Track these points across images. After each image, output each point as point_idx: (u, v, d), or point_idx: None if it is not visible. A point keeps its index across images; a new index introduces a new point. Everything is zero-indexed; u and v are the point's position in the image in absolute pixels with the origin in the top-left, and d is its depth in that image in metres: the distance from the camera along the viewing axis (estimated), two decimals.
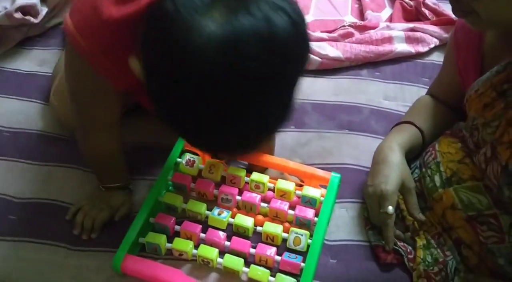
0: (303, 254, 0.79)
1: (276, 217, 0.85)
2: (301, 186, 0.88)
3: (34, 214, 0.89)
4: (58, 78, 0.99)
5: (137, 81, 0.64)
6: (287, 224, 0.84)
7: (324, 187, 0.87)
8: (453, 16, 1.22)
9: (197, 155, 0.91)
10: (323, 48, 1.16)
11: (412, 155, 0.91)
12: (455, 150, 0.84)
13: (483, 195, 0.78)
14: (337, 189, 0.87)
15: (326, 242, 0.85)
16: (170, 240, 0.81)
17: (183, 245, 0.79)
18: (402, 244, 0.83)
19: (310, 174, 0.89)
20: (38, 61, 1.20)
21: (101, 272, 0.81)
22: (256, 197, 0.85)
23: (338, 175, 0.88)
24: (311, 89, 1.07)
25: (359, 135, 1.02)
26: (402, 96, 1.11)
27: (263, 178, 0.86)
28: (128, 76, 0.65)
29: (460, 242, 0.81)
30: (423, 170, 0.87)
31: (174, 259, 0.82)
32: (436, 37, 1.21)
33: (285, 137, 1.04)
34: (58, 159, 0.98)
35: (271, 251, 0.79)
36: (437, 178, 0.84)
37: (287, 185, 0.85)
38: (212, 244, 0.80)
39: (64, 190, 0.93)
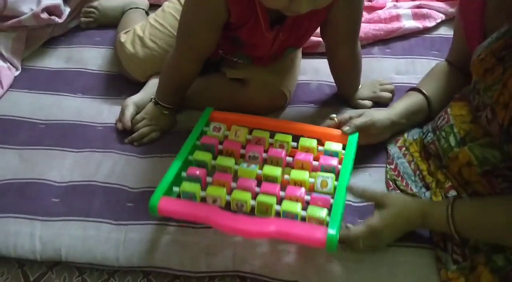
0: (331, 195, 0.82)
1: (301, 168, 0.88)
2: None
3: (75, 195, 0.95)
4: (133, 30, 1.16)
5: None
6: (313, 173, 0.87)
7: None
8: None
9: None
10: None
11: (418, 117, 0.99)
12: (466, 111, 0.88)
13: (496, 149, 0.81)
14: (356, 144, 0.91)
15: (352, 203, 0.90)
16: (203, 188, 0.84)
17: (217, 191, 0.82)
18: None
19: (329, 134, 0.93)
20: (64, 58, 1.27)
21: (144, 243, 0.86)
22: (281, 152, 0.89)
23: (356, 133, 0.92)
24: (325, 71, 1.12)
25: (375, 111, 1.06)
26: (413, 69, 1.16)
27: (287, 138, 0.90)
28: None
29: (476, 195, 0.85)
30: (437, 132, 0.92)
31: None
32: (442, 13, 1.26)
33: (304, 113, 1.10)
34: (92, 145, 1.04)
35: (301, 191, 0.82)
36: (451, 139, 0.88)
37: (309, 142, 0.90)
38: (244, 190, 0.83)
39: (99, 172, 0.98)
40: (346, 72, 1.09)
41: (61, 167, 1.00)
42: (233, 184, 0.85)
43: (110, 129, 1.07)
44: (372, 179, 0.94)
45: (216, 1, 0.89)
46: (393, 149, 0.99)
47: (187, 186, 0.83)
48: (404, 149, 0.98)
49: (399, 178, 0.93)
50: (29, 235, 0.88)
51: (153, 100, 1.05)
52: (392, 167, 0.96)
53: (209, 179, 0.86)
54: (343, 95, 1.12)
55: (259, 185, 0.84)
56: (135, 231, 0.88)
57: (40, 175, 0.98)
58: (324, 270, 0.82)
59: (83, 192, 0.95)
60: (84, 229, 0.89)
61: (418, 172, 0.93)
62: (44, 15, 1.20)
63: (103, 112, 1.12)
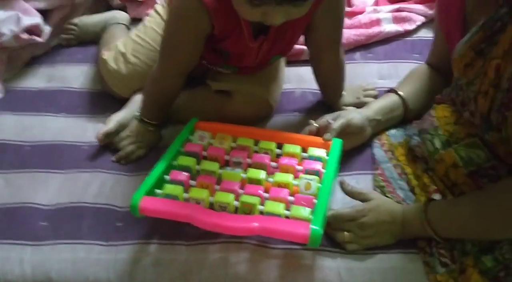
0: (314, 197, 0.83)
1: (286, 173, 0.88)
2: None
3: (63, 217, 0.94)
4: (115, 46, 1.16)
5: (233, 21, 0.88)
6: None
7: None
8: None
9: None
10: None
11: (394, 115, 1.01)
12: (449, 113, 0.90)
13: (481, 149, 0.82)
14: (340, 150, 0.92)
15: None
16: (186, 192, 0.85)
17: (200, 193, 0.82)
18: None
19: (313, 141, 0.94)
20: (47, 77, 1.26)
21: (135, 263, 0.86)
22: (266, 157, 0.90)
23: (340, 139, 0.93)
24: (310, 78, 1.13)
25: (350, 111, 1.06)
26: (396, 73, 1.17)
27: (271, 145, 0.91)
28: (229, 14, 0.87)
29: None
30: (422, 135, 0.93)
31: None
32: (421, 15, 1.27)
33: (289, 121, 1.10)
34: (78, 165, 1.03)
35: (284, 192, 0.83)
36: (436, 141, 0.89)
37: (293, 148, 0.91)
38: (227, 192, 0.83)
39: (87, 192, 0.98)
40: (331, 78, 1.09)
41: (48, 189, 0.99)
42: (217, 187, 0.85)
43: (96, 148, 1.07)
44: (360, 186, 0.94)
45: (199, 15, 0.89)
46: (378, 153, 1.00)
47: (169, 188, 0.84)
48: (389, 152, 0.99)
49: (386, 184, 0.94)
50: (18, 261, 0.87)
51: (137, 117, 1.05)
52: (379, 172, 0.96)
53: (192, 182, 0.87)
54: (328, 102, 1.13)
55: (243, 188, 0.85)
56: (125, 251, 0.87)
57: (27, 199, 0.97)
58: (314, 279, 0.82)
59: (71, 213, 0.94)
60: (73, 251, 0.88)
61: (404, 176, 0.94)
62: (25, 36, 1.20)
63: (87, 131, 1.11)
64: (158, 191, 0.85)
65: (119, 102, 1.13)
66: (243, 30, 0.92)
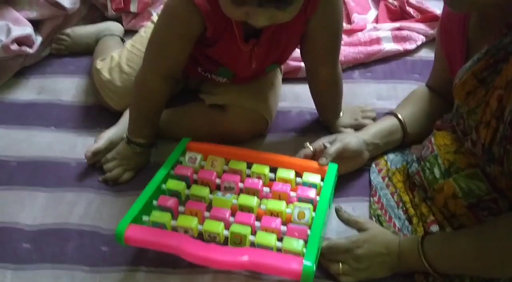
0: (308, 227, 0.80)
1: (279, 199, 0.86)
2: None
3: (47, 239, 0.90)
4: (110, 56, 1.13)
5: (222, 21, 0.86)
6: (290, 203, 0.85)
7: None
8: (437, 12, 1.27)
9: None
10: None
11: (393, 139, 0.99)
12: (450, 141, 0.87)
13: (481, 181, 0.80)
14: (335, 176, 0.89)
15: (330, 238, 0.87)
16: (174, 219, 0.82)
17: (188, 221, 0.79)
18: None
19: (308, 166, 0.91)
20: (37, 89, 1.23)
21: None
22: (258, 182, 0.87)
23: (335, 164, 0.90)
24: (307, 97, 1.10)
25: (347, 134, 1.04)
26: (395, 94, 1.14)
27: (264, 169, 0.88)
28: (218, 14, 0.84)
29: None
30: (422, 163, 0.90)
31: None
32: (422, 34, 1.25)
33: (286, 142, 1.08)
34: (65, 183, 1.00)
35: (276, 222, 0.80)
36: (436, 170, 0.86)
37: (287, 173, 0.88)
38: (217, 220, 0.80)
39: (73, 213, 0.94)
40: (327, 94, 1.06)
41: (33, 208, 0.95)
42: (207, 214, 0.82)
43: (84, 165, 1.03)
44: (356, 213, 0.91)
45: (191, 15, 0.86)
46: (376, 179, 0.97)
47: (157, 216, 0.81)
48: (387, 179, 0.97)
49: (383, 211, 0.91)
50: None
51: (124, 138, 1.00)
52: (376, 199, 0.94)
53: (181, 208, 0.84)
54: (324, 121, 1.10)
55: (234, 215, 0.82)
56: (110, 279, 0.84)
57: (10, 218, 0.94)
58: None
59: (55, 235, 0.91)
60: (56, 278, 0.84)
61: (401, 204, 0.92)
62: (14, 47, 1.16)
63: (76, 146, 1.08)
64: (145, 217, 0.82)
65: (111, 117, 1.10)
66: (235, 32, 0.89)
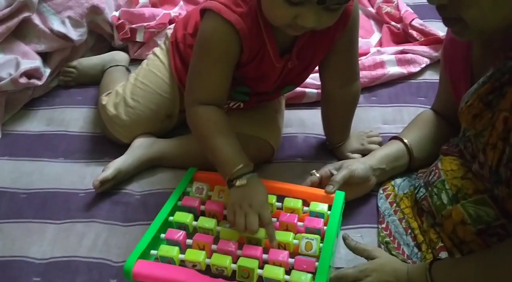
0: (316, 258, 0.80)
1: (286, 230, 0.85)
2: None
3: (56, 273, 0.91)
4: (115, 91, 1.12)
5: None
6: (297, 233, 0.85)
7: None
8: (440, 34, 1.28)
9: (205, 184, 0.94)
10: (318, 79, 1.19)
11: (399, 164, 0.99)
12: (457, 166, 0.87)
13: (489, 207, 0.80)
14: (342, 205, 0.89)
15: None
16: (182, 252, 0.82)
17: (196, 255, 0.79)
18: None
19: (315, 194, 0.91)
20: (46, 121, 1.24)
21: None
22: None
23: (342, 192, 0.90)
24: (312, 122, 1.11)
25: (353, 160, 1.04)
26: (401, 118, 1.14)
27: (272, 199, 0.88)
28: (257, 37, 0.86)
29: None
30: (429, 188, 0.90)
31: None
32: (426, 57, 1.25)
33: (292, 169, 1.07)
34: (74, 215, 1.01)
35: (284, 255, 0.79)
36: (444, 196, 0.86)
37: (294, 202, 0.88)
38: (224, 254, 0.80)
39: (81, 245, 0.95)
40: (342, 115, 1.07)
41: (42, 242, 0.96)
42: (214, 246, 0.82)
43: (92, 195, 1.04)
44: (365, 241, 0.91)
45: (230, 36, 0.85)
46: (383, 206, 0.96)
47: (165, 250, 0.81)
48: (394, 205, 0.96)
49: (391, 239, 0.91)
50: None
51: (234, 185, 0.84)
52: (384, 226, 0.93)
53: (189, 241, 0.84)
54: (332, 144, 1.10)
55: (241, 247, 0.81)
56: None
57: (20, 252, 0.94)
58: None
59: (64, 269, 0.91)
60: None
61: (409, 231, 0.91)
62: (23, 80, 1.18)
63: (85, 177, 1.09)
64: (153, 251, 0.82)
65: (119, 147, 1.11)
66: (267, 52, 0.90)
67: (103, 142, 1.17)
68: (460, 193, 0.84)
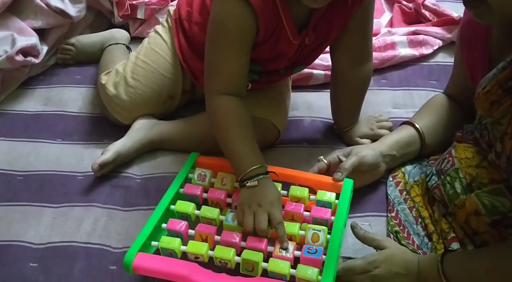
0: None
1: (292, 220, 0.82)
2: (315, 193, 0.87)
3: (54, 259, 0.88)
4: (114, 70, 1.08)
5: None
6: (304, 224, 0.82)
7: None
8: (454, 15, 1.23)
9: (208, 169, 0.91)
10: (326, 60, 1.15)
11: (410, 150, 0.95)
12: (472, 154, 0.83)
13: (505, 197, 0.76)
14: (351, 192, 0.86)
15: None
16: (184, 243, 0.79)
17: (198, 247, 0.76)
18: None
19: (323, 181, 0.87)
20: (43, 100, 1.21)
21: None
22: None
23: (351, 180, 0.86)
24: (318, 105, 1.07)
25: (363, 146, 1.00)
26: (411, 102, 1.10)
27: (277, 186, 0.85)
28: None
29: (486, 246, 0.79)
30: (442, 177, 0.86)
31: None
32: (439, 38, 1.20)
33: (298, 153, 1.04)
34: (72, 198, 0.97)
35: (290, 248, 0.76)
36: (457, 185, 0.83)
37: (300, 191, 0.85)
38: (228, 245, 0.77)
39: (80, 230, 0.92)
40: (352, 97, 1.03)
41: (39, 226, 0.93)
42: (217, 237, 0.79)
43: (91, 179, 1.01)
44: (373, 230, 0.88)
45: (247, 16, 0.79)
46: (393, 193, 0.93)
47: (166, 242, 0.78)
48: (405, 193, 0.93)
49: (401, 228, 0.88)
50: None
51: (246, 185, 0.80)
52: (393, 215, 0.90)
53: (191, 231, 0.80)
54: (340, 128, 1.06)
55: (245, 238, 0.78)
56: None
57: (16, 236, 0.91)
58: None
59: (62, 254, 0.88)
60: None
61: (420, 220, 0.88)
62: (19, 58, 1.14)
63: (83, 160, 1.05)
64: (154, 243, 0.79)
65: (119, 129, 1.07)
66: (283, 29, 0.85)
67: (103, 123, 1.13)
68: (474, 182, 0.81)
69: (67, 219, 0.94)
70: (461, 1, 0.72)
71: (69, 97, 1.20)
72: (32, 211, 0.96)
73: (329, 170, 0.92)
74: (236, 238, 0.77)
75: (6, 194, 0.99)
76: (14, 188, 1.00)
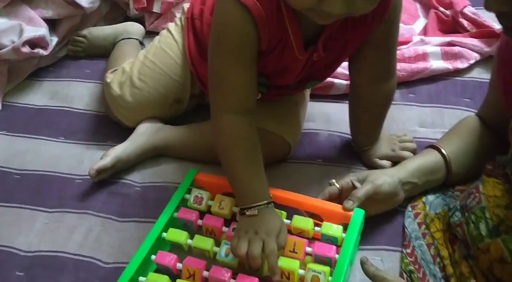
0: None
1: (293, 252, 0.76)
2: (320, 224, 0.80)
3: (41, 269, 0.83)
4: (121, 68, 1.02)
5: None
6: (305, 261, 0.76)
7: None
8: (496, 27, 1.12)
9: (205, 190, 0.85)
10: None
11: (434, 178, 0.86)
12: (501, 192, 0.74)
13: None
14: (361, 225, 0.78)
15: None
16: (173, 278, 0.74)
17: None
18: None
19: (330, 210, 0.80)
20: (50, 93, 1.16)
21: None
22: None
23: (362, 210, 0.78)
24: (338, 118, 0.98)
25: (380, 172, 0.91)
26: (441, 121, 1.01)
27: (280, 214, 0.78)
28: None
29: None
30: (466, 214, 0.77)
31: None
32: (476, 52, 1.10)
33: (310, 171, 0.96)
34: (67, 203, 0.93)
35: None
36: (482, 226, 0.74)
37: (304, 222, 0.77)
38: None
39: (71, 239, 0.87)
40: (373, 114, 0.93)
41: (30, 231, 0.88)
42: (205, 273, 0.73)
43: (89, 183, 0.95)
44: (385, 266, 0.80)
45: (245, 26, 0.72)
46: (411, 226, 0.84)
47: (153, 280, 0.72)
48: (424, 226, 0.84)
49: (416, 267, 0.79)
50: None
51: (245, 213, 0.75)
52: (409, 251, 0.81)
53: (179, 266, 0.75)
54: (359, 146, 0.97)
55: (235, 276, 0.72)
56: None
57: (6, 241, 0.87)
58: None
59: (50, 265, 0.83)
60: None
61: (438, 260, 0.79)
62: (26, 49, 1.09)
63: (83, 161, 1.00)
64: (142, 278, 0.73)
65: (124, 130, 1.01)
66: (289, 42, 0.76)
67: (108, 123, 1.07)
68: (502, 225, 0.72)
69: (59, 227, 0.89)
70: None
71: (76, 93, 1.15)
72: (24, 214, 0.91)
73: (341, 195, 0.84)
74: (226, 275, 0.71)
75: (1, 193, 0.95)
76: (10, 187, 0.96)
